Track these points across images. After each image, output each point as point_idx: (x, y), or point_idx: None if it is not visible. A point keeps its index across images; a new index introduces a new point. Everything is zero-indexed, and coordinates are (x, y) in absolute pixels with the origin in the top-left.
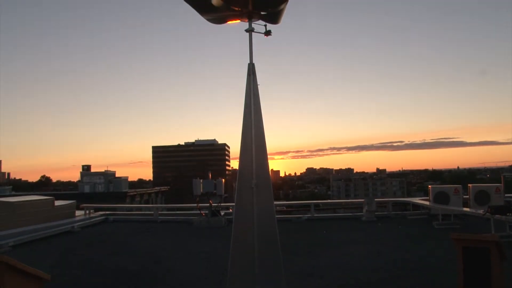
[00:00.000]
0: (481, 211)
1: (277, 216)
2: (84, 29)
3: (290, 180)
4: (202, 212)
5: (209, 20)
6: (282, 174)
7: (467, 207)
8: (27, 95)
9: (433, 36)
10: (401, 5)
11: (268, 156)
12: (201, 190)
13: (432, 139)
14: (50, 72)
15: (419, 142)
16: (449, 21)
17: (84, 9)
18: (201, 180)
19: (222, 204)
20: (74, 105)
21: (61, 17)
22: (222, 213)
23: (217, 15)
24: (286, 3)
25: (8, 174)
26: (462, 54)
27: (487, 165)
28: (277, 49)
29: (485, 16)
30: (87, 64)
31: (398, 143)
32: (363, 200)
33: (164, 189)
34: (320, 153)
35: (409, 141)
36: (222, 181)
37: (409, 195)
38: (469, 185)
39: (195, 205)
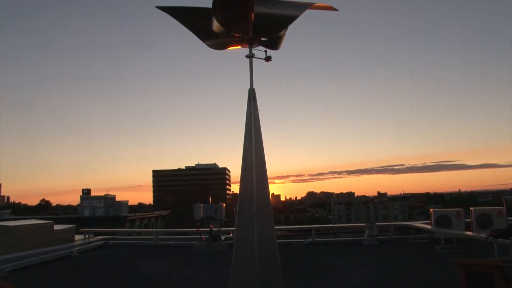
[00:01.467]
0: (483, 235)
1: (277, 240)
2: (83, 51)
3: (291, 204)
4: (202, 236)
5: (210, 46)
6: (282, 198)
7: (469, 230)
8: (27, 118)
9: (433, 61)
10: (401, 31)
11: (269, 180)
12: (202, 215)
13: (433, 162)
14: (50, 96)
15: (420, 165)
16: (448, 46)
17: (81, 33)
18: (202, 205)
19: (222, 228)
20: (74, 128)
21: (58, 42)
22: (223, 238)
23: (218, 41)
24: (286, 30)
25: (8, 197)
26: (462, 78)
27: (488, 188)
28: (278, 74)
29: (480, 42)
30: (87, 87)
31: (399, 167)
32: (364, 224)
33: (164, 214)
34: (321, 177)
35: (410, 165)
36: (222, 205)
37: (411, 219)
38: (471, 208)
39: (196, 229)
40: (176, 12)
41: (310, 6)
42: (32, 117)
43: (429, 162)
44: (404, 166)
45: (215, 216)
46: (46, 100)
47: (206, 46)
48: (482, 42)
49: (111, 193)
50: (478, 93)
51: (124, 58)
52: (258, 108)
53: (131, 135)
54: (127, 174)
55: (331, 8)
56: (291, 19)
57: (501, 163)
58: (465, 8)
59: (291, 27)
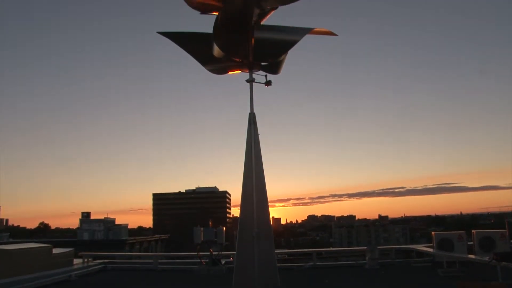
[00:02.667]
0: (486, 258)
1: (278, 264)
2: (82, 74)
3: (291, 228)
4: (202, 260)
5: (210, 70)
6: (283, 222)
7: (472, 254)
8: (27, 141)
9: (431, 84)
10: (400, 53)
11: (269, 204)
12: (202, 238)
13: (433, 185)
14: (50, 119)
15: (420, 187)
16: (446, 70)
17: (79, 54)
18: (202, 228)
19: (223, 252)
20: (74, 151)
21: (61, 68)
22: (223, 262)
23: (218, 66)
24: (286, 54)
25: (7, 220)
26: (462, 100)
27: (490, 210)
28: (278, 97)
29: (479, 65)
30: (86, 111)
31: (400, 189)
32: (365, 247)
33: (164, 237)
34: (322, 200)
35: (410, 187)
36: (222, 229)
37: (412, 242)
38: (473, 231)
39: (196, 253)
40: (177, 37)
41: (309, 31)
42: (31, 139)
43: (430, 184)
44: (405, 189)
45: (216, 239)
46: (46, 123)
47: (207, 71)
48: (481, 65)
49: (111, 216)
50: (478, 114)
51: (124, 80)
52: (259, 133)
53: (132, 158)
54: (127, 197)
55: (330, 33)
56: (291, 44)
57: (502, 184)
58: (464, 40)
59: (291, 51)
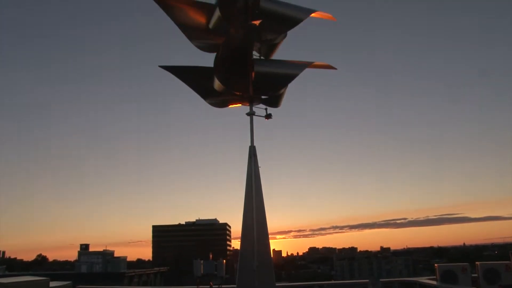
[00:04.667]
0: None
1: None
2: (79, 113)
3: (292, 260)
4: None
5: (211, 104)
6: (284, 254)
7: (476, 286)
8: (25, 172)
9: (431, 113)
10: (398, 85)
11: (270, 236)
12: (202, 271)
13: (435, 215)
14: (48, 152)
15: (422, 218)
16: (447, 98)
17: (79, 89)
18: (202, 261)
19: (223, 286)
20: (73, 183)
21: (60, 98)
22: None
23: (219, 99)
24: (286, 88)
25: (3, 252)
26: (464, 130)
27: (494, 241)
28: (279, 129)
29: (480, 96)
30: (86, 143)
31: (402, 220)
32: (367, 280)
33: (164, 270)
34: (323, 232)
35: (412, 218)
36: (223, 262)
37: (415, 274)
38: (477, 263)
39: (196, 287)
40: (179, 71)
41: (309, 65)
42: (30, 170)
43: (432, 215)
44: (407, 220)
45: (216, 273)
46: (44, 154)
47: (207, 104)
48: (481, 97)
49: (110, 248)
50: (479, 144)
51: (123, 113)
52: (259, 165)
53: (131, 190)
54: (126, 229)
55: (329, 67)
56: (290, 78)
57: (505, 215)
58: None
59: (291, 84)
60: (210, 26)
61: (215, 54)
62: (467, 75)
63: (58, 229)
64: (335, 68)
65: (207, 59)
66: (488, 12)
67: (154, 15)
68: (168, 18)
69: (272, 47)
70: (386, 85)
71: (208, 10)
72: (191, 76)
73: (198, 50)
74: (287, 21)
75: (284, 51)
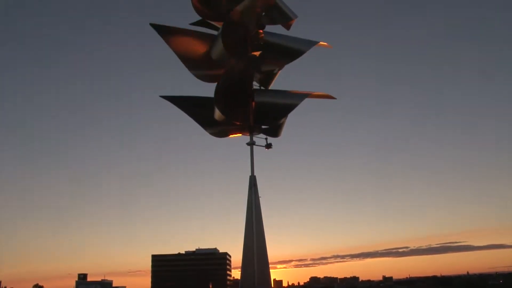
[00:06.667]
0: None
1: None
2: (78, 142)
3: None
4: None
5: (212, 134)
6: (285, 284)
7: None
8: (22, 202)
9: (435, 140)
10: (403, 112)
11: (270, 266)
12: None
13: (437, 244)
14: (47, 181)
15: (425, 247)
16: (449, 125)
17: (86, 117)
18: None
19: None
20: (70, 210)
21: (63, 125)
22: None
23: (220, 129)
24: (286, 117)
25: (0, 282)
26: (465, 156)
27: (498, 269)
28: (279, 158)
29: (480, 124)
30: (86, 168)
31: (404, 249)
32: None
33: None
34: (324, 261)
35: (414, 247)
36: None
37: None
38: None
39: None
40: (179, 101)
41: (309, 95)
42: (26, 198)
43: (434, 243)
44: (409, 249)
45: None
46: (43, 185)
47: (208, 133)
48: (483, 125)
49: (109, 278)
50: (482, 171)
51: (125, 142)
52: (259, 195)
53: (131, 218)
54: (125, 258)
55: (329, 97)
56: (291, 108)
57: (509, 243)
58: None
59: (291, 114)
60: (213, 57)
61: (215, 84)
62: (468, 104)
63: (55, 258)
64: (335, 98)
65: (208, 89)
66: None
67: (152, 45)
68: (167, 48)
69: (272, 76)
70: (387, 113)
71: (208, 40)
72: (192, 106)
73: (198, 80)
74: (289, 54)
75: (283, 79)
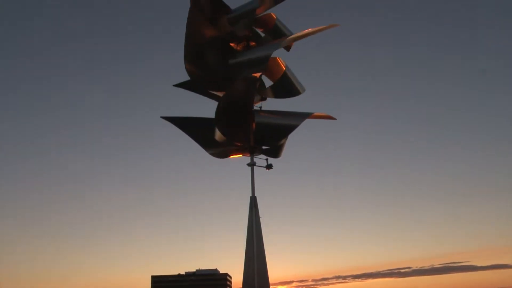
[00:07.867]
0: None
1: None
2: (75, 160)
3: None
4: None
5: (212, 154)
6: None
7: None
8: (18, 221)
9: (437, 158)
10: (403, 129)
11: (271, 287)
12: None
13: (440, 264)
14: (46, 200)
15: (427, 267)
16: (451, 143)
17: (81, 131)
18: None
19: None
20: (64, 228)
21: (59, 139)
22: None
23: (220, 150)
24: (286, 138)
25: None
26: (468, 174)
27: None
28: (279, 179)
29: (481, 139)
30: (85, 186)
31: (406, 269)
32: None
33: None
34: (325, 282)
35: (416, 267)
36: None
37: None
38: None
39: None
40: (180, 122)
41: (309, 116)
42: (25, 218)
43: (437, 263)
44: (411, 269)
45: None
46: (42, 203)
47: (208, 154)
48: (485, 142)
49: None
50: (485, 190)
51: (122, 162)
52: (260, 216)
53: (129, 237)
54: (124, 279)
55: (329, 117)
56: (291, 128)
57: None
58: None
59: (291, 134)
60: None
61: (215, 105)
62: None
63: (53, 279)
64: (335, 119)
65: (208, 110)
66: None
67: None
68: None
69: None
70: (388, 130)
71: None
72: (192, 127)
73: (199, 99)
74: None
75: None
